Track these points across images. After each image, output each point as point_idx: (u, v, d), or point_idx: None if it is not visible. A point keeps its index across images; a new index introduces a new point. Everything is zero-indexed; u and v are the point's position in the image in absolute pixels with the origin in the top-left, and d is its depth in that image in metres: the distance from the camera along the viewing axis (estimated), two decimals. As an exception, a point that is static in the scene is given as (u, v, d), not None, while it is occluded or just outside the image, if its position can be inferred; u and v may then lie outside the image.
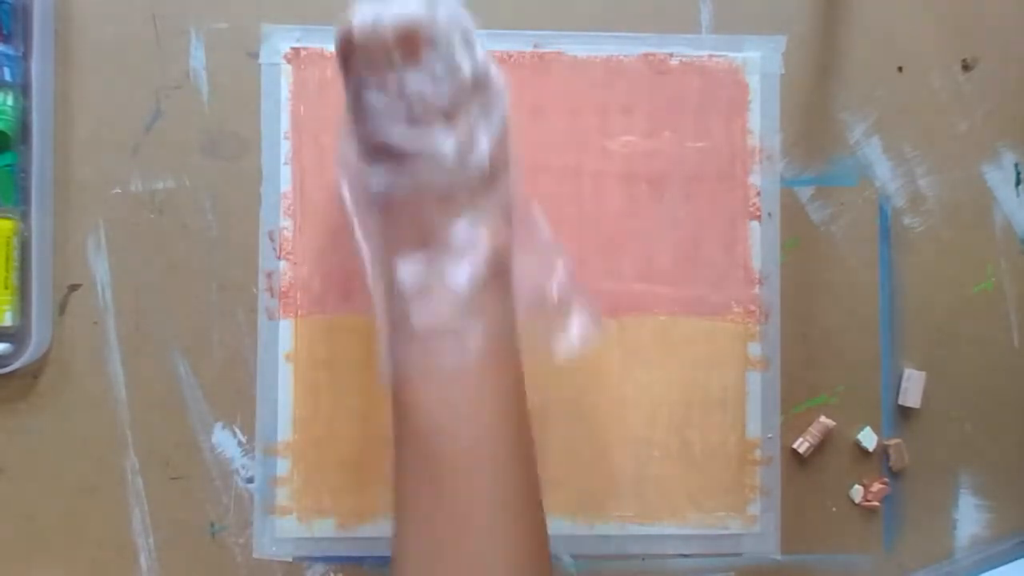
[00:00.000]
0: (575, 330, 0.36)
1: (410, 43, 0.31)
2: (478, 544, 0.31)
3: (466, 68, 0.32)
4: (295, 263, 0.44)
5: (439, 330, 0.32)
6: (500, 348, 0.33)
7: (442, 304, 0.32)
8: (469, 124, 0.32)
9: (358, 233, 0.34)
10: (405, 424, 0.33)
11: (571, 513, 0.44)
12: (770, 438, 0.45)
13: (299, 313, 0.44)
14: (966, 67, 0.46)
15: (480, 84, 0.33)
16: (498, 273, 0.33)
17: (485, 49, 0.34)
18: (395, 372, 0.33)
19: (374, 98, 0.32)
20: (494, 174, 0.33)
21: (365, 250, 0.34)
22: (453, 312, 0.32)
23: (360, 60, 0.32)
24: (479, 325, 0.32)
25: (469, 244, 0.32)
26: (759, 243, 0.45)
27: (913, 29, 0.46)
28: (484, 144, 0.33)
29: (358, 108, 0.33)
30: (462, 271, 0.32)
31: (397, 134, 0.32)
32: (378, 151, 0.33)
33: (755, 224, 0.45)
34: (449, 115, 0.32)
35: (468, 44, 0.33)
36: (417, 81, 0.32)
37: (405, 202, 0.33)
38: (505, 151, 0.34)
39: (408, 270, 0.32)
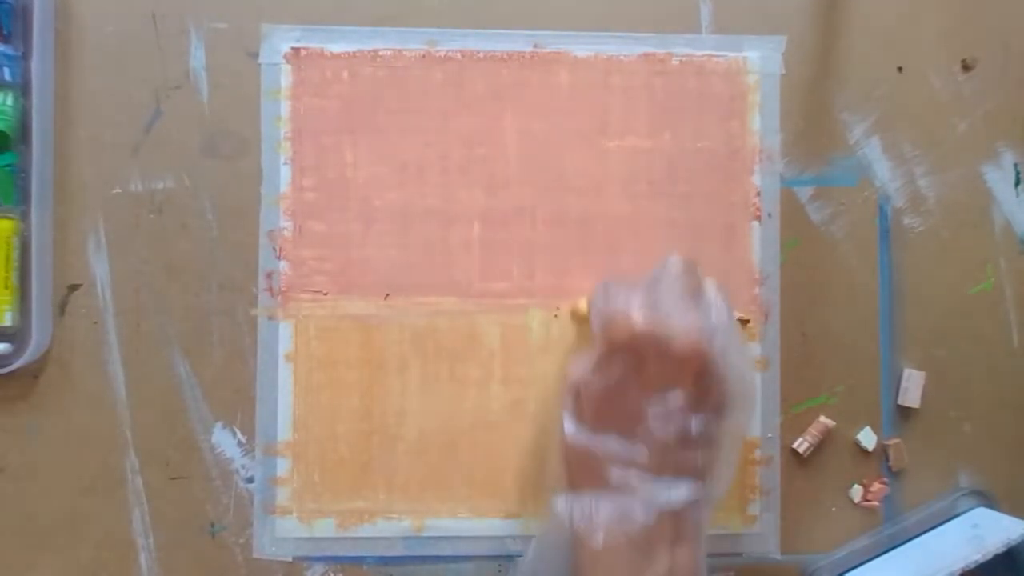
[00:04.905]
0: None
1: (688, 368, 0.33)
2: None
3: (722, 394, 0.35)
4: (295, 263, 0.44)
5: (619, 554, 0.34)
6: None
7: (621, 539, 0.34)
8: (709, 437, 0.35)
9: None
10: None
11: (571, 513, 0.44)
12: (770, 438, 0.45)
13: (299, 313, 0.44)
14: (966, 67, 0.46)
15: (735, 400, 0.35)
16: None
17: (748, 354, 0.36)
18: None
19: (631, 389, 0.34)
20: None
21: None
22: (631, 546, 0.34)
23: (630, 359, 0.34)
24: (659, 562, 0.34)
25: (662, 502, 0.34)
26: (759, 243, 0.45)
27: (913, 29, 0.46)
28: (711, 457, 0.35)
29: (611, 387, 0.35)
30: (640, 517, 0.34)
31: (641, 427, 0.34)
32: (611, 421, 0.35)
33: (755, 224, 0.45)
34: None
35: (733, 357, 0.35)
36: (678, 399, 0.34)
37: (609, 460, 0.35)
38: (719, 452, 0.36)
39: (594, 506, 0.34)
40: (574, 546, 0.34)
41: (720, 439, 0.35)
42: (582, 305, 0.41)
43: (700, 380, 0.34)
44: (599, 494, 0.34)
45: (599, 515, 0.34)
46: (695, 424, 0.34)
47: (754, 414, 0.36)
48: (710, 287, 0.36)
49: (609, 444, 0.34)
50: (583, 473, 0.35)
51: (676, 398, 0.33)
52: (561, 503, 0.35)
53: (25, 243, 0.41)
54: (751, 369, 0.36)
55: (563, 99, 0.45)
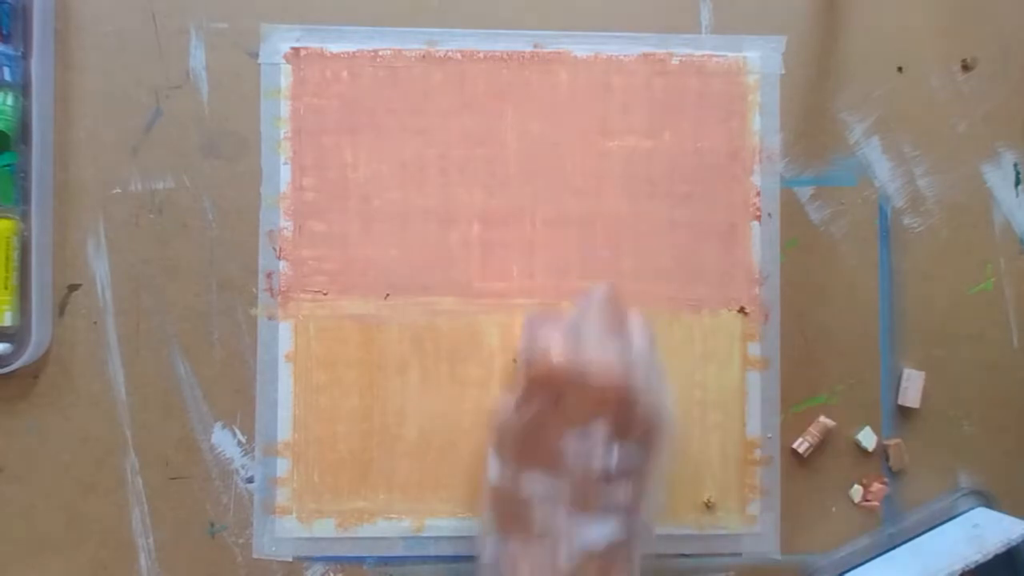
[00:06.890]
0: None
1: (607, 401, 0.33)
2: None
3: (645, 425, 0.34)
4: (295, 263, 0.44)
5: None
6: None
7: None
8: (633, 480, 0.34)
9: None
10: None
11: (571, 513, 0.44)
12: (770, 438, 0.45)
13: (299, 313, 0.44)
14: (966, 67, 0.46)
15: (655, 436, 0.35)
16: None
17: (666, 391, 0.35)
18: None
19: (551, 424, 0.34)
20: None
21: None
22: None
23: (549, 395, 0.34)
24: None
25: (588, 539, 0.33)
26: (759, 243, 0.45)
27: (913, 29, 0.46)
28: (636, 492, 0.34)
29: (531, 423, 0.34)
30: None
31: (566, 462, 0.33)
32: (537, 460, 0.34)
33: (755, 224, 0.45)
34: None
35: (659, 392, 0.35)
36: (599, 432, 0.33)
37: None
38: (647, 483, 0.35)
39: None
40: None
41: (647, 474, 0.34)
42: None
43: (620, 412, 0.33)
44: (524, 539, 0.34)
45: (523, 563, 0.33)
46: (617, 457, 0.33)
47: (672, 450, 0.36)
48: (634, 319, 0.36)
49: (533, 483, 0.34)
50: (509, 517, 0.35)
51: (597, 431, 0.33)
52: (487, 550, 0.35)
53: (25, 243, 0.41)
54: (670, 403, 0.35)
55: (563, 99, 0.45)
